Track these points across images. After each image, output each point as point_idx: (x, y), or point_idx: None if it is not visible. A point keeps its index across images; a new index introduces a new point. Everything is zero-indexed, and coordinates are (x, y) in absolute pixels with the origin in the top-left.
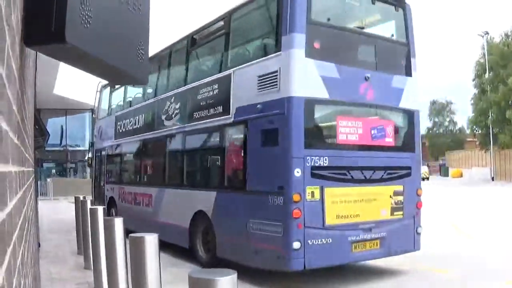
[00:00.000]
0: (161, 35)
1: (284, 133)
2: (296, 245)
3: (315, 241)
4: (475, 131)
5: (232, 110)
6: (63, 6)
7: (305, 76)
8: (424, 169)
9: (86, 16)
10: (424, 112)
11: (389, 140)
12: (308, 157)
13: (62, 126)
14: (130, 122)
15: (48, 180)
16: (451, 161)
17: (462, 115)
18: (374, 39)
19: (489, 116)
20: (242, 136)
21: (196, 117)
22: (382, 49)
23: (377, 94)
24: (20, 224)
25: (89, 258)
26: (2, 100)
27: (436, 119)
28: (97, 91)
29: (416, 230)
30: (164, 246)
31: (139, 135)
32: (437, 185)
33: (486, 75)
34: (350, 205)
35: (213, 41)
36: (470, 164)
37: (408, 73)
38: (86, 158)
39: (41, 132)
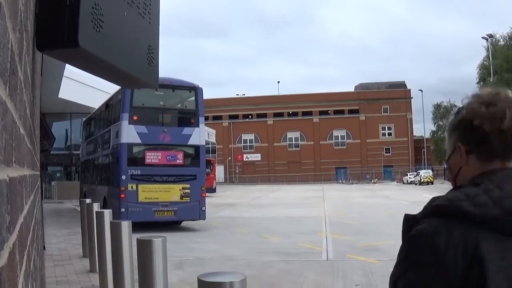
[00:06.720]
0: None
1: (119, 158)
2: (122, 210)
3: (133, 209)
4: None
5: (111, 146)
6: (75, 10)
7: (127, 133)
8: (428, 173)
9: (98, 21)
10: (428, 116)
11: (180, 161)
12: (129, 170)
13: (67, 130)
14: (86, 148)
15: (53, 183)
16: None
17: None
18: (171, 110)
19: None
20: (113, 159)
21: (103, 148)
22: (176, 115)
23: (172, 138)
24: (32, 227)
25: (95, 261)
26: (21, 104)
27: (441, 123)
28: (81, 124)
29: (201, 208)
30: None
31: (89, 156)
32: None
33: (491, 79)
34: (153, 193)
35: (105, 112)
36: None
37: (196, 125)
38: (75, 167)
39: (46, 136)
